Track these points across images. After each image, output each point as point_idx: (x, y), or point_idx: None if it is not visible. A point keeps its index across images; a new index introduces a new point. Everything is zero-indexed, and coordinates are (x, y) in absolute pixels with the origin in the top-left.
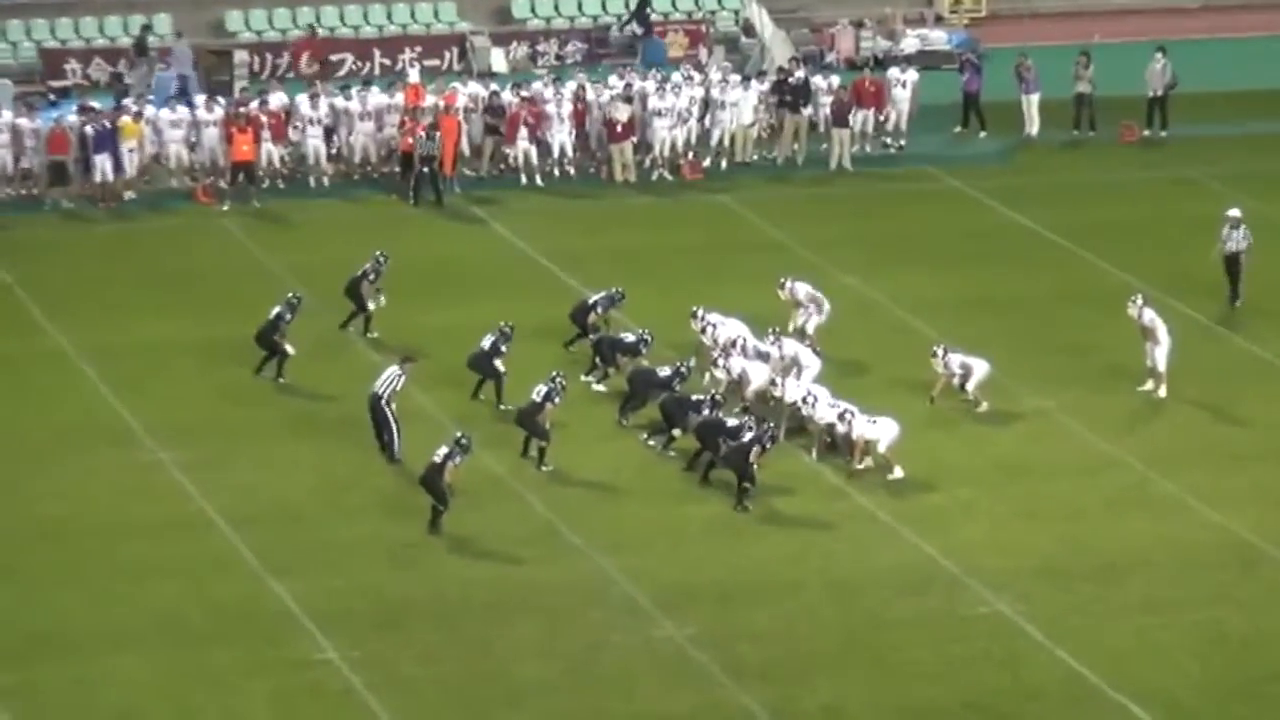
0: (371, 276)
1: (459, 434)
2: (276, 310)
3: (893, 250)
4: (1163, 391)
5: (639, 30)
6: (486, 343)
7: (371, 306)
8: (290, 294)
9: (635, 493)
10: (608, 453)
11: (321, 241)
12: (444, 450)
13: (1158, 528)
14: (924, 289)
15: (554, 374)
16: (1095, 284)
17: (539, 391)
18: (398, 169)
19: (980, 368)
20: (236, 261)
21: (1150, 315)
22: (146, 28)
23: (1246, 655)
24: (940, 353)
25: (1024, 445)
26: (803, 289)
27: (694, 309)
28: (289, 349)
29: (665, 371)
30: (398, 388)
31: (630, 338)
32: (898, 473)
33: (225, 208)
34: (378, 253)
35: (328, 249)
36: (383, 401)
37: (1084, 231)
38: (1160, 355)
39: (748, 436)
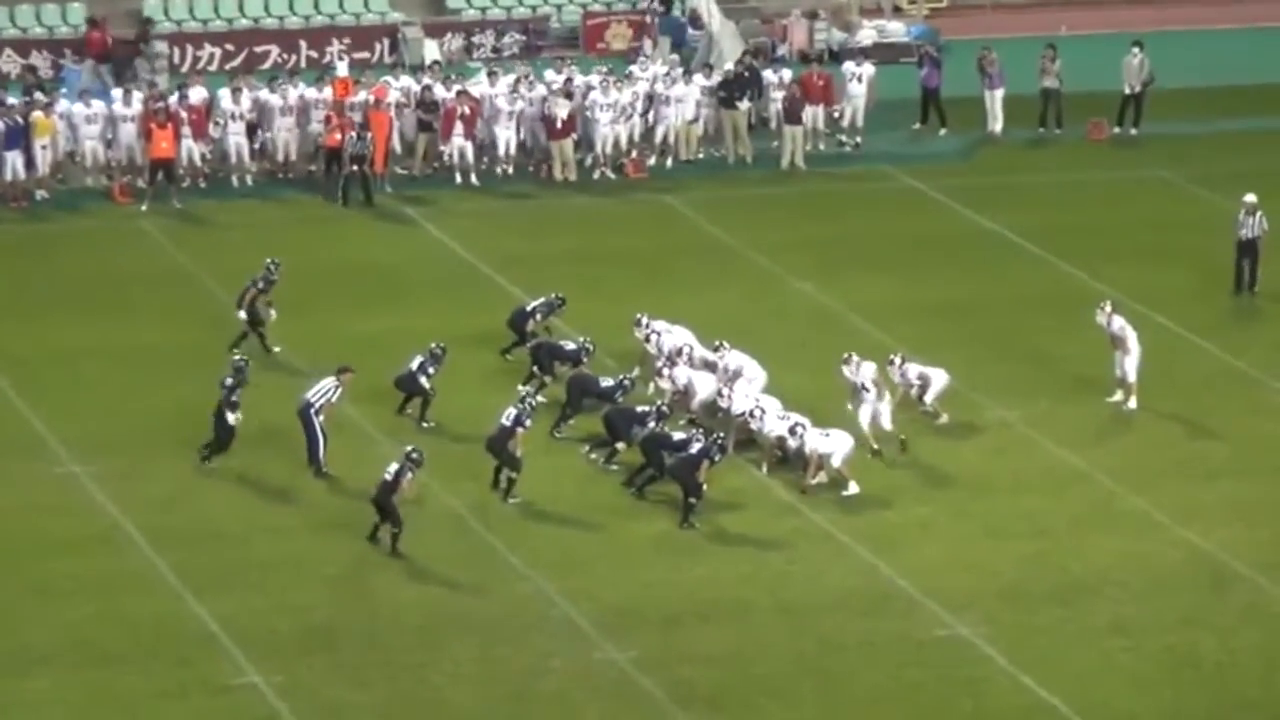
0: (261, 285)
1: (409, 448)
2: (227, 381)
3: (848, 254)
4: (1133, 403)
5: (659, 8)
6: (414, 363)
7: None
8: (236, 356)
9: (576, 510)
10: (546, 467)
11: (245, 244)
12: (395, 467)
13: (1126, 546)
14: (880, 294)
15: (523, 395)
16: (1061, 289)
17: (508, 415)
18: (321, 166)
19: (939, 378)
20: (155, 265)
21: (1119, 323)
22: (149, 20)
23: (1219, 679)
24: (897, 362)
25: (986, 460)
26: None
27: (638, 316)
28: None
29: (608, 382)
30: (333, 399)
31: (570, 346)
32: (852, 488)
33: (143, 208)
34: (269, 260)
35: (252, 252)
36: (312, 410)
37: (1050, 234)
38: (1130, 365)
39: (695, 449)
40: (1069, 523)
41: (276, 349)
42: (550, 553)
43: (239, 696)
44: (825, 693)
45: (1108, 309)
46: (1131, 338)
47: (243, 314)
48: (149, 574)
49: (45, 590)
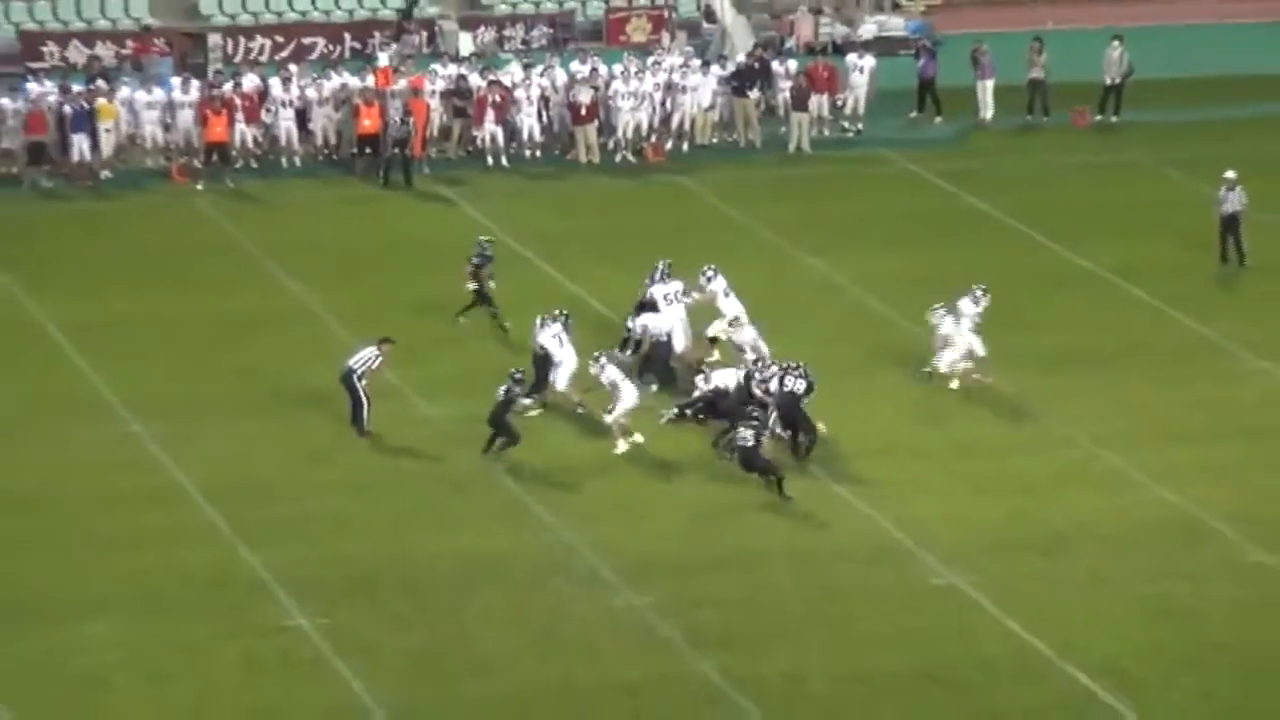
0: (477, 262)
1: (512, 370)
2: (513, 390)
3: (851, 231)
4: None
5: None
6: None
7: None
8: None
9: (600, 467)
10: (571, 429)
11: (293, 220)
12: (503, 389)
13: (1105, 502)
14: (881, 268)
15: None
16: (1046, 265)
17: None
18: (357, 151)
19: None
20: (210, 239)
21: (950, 324)
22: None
23: (1192, 626)
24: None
25: (974, 423)
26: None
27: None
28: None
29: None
30: (373, 367)
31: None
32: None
33: (199, 187)
34: (482, 238)
35: (299, 227)
36: (355, 376)
37: (1036, 213)
38: (949, 356)
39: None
40: (1052, 481)
41: (508, 324)
42: (575, 507)
43: (287, 638)
44: (830, 636)
45: (941, 311)
46: (962, 334)
47: (471, 286)
48: (205, 527)
49: (107, 542)
